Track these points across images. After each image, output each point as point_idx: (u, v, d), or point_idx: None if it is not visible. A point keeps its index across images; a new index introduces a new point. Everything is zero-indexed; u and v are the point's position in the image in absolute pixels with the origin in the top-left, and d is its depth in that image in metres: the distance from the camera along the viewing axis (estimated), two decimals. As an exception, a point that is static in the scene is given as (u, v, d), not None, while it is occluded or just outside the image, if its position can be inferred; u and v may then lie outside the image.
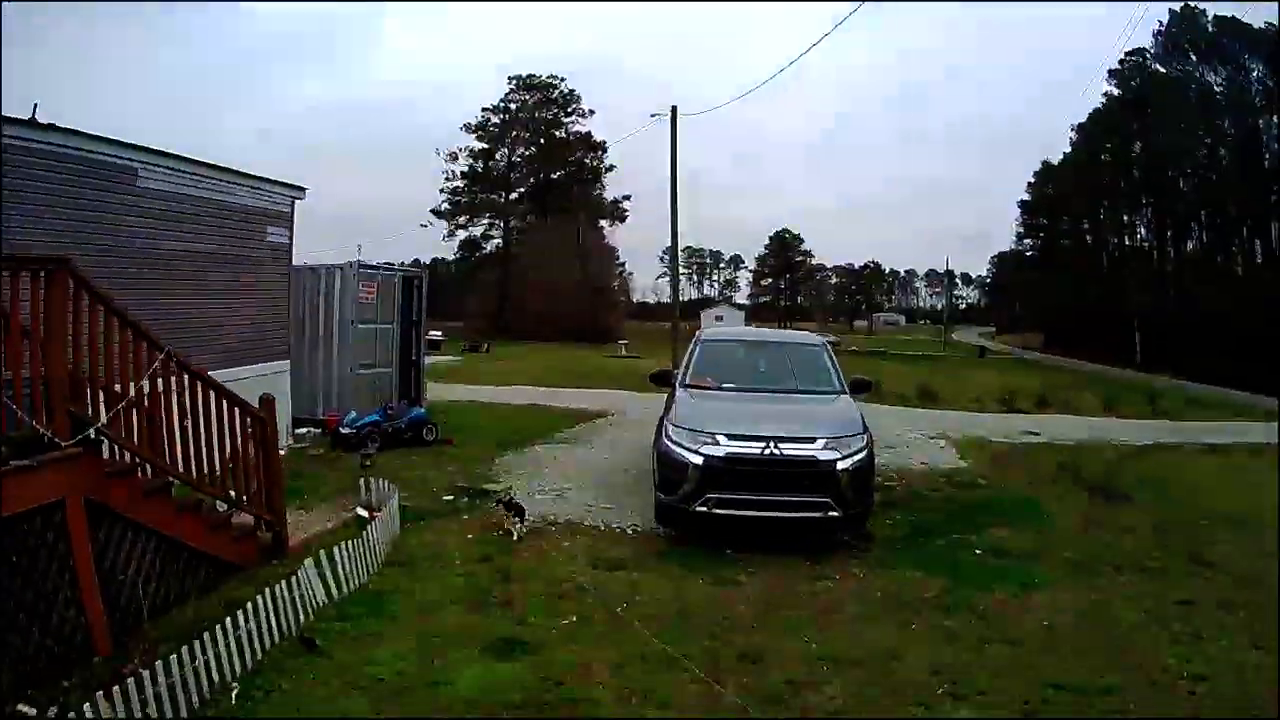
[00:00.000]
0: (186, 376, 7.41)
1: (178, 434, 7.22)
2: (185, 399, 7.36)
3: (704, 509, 8.90)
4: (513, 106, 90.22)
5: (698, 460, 8.95)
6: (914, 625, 7.06)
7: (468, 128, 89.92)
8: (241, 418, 7.93)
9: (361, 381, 16.41)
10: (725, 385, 10.60)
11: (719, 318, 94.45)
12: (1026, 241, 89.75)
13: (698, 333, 13.46)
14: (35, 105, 9.61)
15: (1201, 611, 7.28)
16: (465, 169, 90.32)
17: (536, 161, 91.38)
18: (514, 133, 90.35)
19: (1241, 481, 13.19)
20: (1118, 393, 27.60)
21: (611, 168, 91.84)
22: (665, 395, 11.02)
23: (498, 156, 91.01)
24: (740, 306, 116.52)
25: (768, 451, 8.85)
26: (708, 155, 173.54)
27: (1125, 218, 73.73)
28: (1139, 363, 57.10)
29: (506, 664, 6.12)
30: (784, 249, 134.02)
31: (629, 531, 9.78)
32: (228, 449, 7.80)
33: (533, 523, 9.70)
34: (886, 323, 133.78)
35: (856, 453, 9.08)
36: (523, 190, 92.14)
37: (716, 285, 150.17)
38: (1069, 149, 77.55)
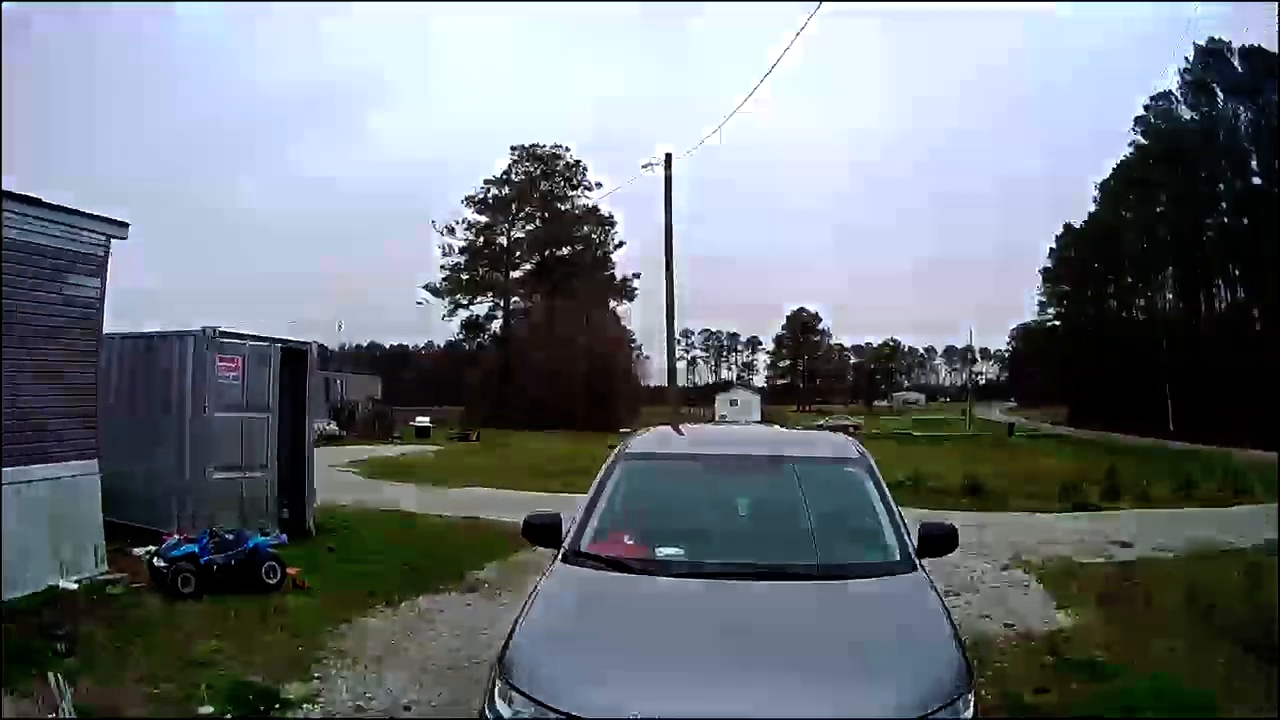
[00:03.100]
0: None
1: None
2: None
3: None
4: (515, 177, 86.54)
5: None
6: None
7: (468, 201, 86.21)
8: None
9: (223, 488, 12.33)
10: (660, 554, 5.10)
11: (733, 402, 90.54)
12: (1049, 311, 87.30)
13: (621, 444, 6.81)
14: None
15: None
16: (464, 244, 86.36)
17: (540, 236, 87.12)
18: (515, 204, 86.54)
19: None
20: (1180, 471, 23.13)
21: (622, 244, 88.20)
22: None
23: (498, 230, 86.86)
24: (757, 389, 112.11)
25: None
26: (723, 234, 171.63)
27: (1153, 276, 71.16)
28: (1171, 430, 55.00)
29: None
30: (802, 329, 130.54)
31: None
32: None
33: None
34: (906, 402, 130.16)
35: None
36: (527, 268, 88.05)
37: (734, 368, 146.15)
38: (1093, 208, 75.72)
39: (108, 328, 11.07)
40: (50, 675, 5.90)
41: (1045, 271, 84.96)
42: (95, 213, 10.41)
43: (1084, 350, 71.44)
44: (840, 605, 4.68)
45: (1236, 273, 62.42)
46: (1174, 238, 65.71)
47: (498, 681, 4.06)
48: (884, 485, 5.69)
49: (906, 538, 5.21)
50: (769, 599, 4.67)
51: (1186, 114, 64.27)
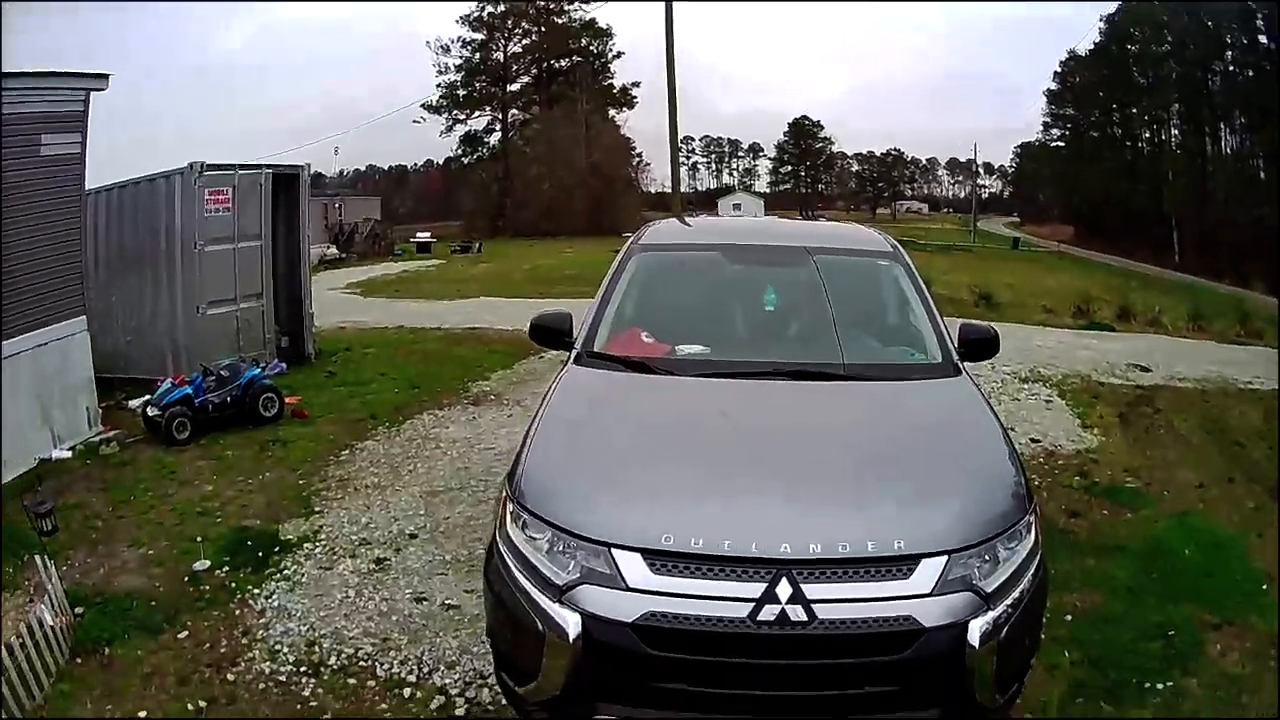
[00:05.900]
0: None
1: None
2: None
3: None
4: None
5: (568, 625, 3.23)
6: None
7: (463, 20, 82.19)
8: None
9: (215, 324, 11.96)
10: (682, 352, 4.66)
11: (736, 206, 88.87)
12: (1054, 132, 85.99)
13: (639, 231, 6.20)
14: None
15: None
16: (460, 61, 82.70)
17: (538, 51, 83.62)
18: (511, 21, 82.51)
19: None
20: (1192, 303, 22.22)
21: (620, 54, 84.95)
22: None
23: (495, 46, 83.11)
24: (759, 195, 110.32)
25: (766, 610, 3.14)
26: (726, 46, 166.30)
27: (1157, 111, 69.80)
28: (1178, 262, 55.12)
29: None
30: (803, 135, 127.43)
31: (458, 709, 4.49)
32: None
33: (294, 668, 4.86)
34: (909, 210, 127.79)
35: (1014, 580, 3.40)
36: (525, 81, 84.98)
37: (736, 175, 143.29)
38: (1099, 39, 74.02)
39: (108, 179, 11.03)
40: (38, 560, 5.36)
41: (1050, 93, 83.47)
42: (72, 70, 9.73)
43: (1090, 173, 70.93)
44: (882, 412, 4.23)
45: (1242, 119, 61.32)
46: (1180, 78, 64.87)
47: (509, 503, 3.66)
48: (920, 281, 5.24)
49: (948, 338, 4.78)
50: (805, 404, 4.26)
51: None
